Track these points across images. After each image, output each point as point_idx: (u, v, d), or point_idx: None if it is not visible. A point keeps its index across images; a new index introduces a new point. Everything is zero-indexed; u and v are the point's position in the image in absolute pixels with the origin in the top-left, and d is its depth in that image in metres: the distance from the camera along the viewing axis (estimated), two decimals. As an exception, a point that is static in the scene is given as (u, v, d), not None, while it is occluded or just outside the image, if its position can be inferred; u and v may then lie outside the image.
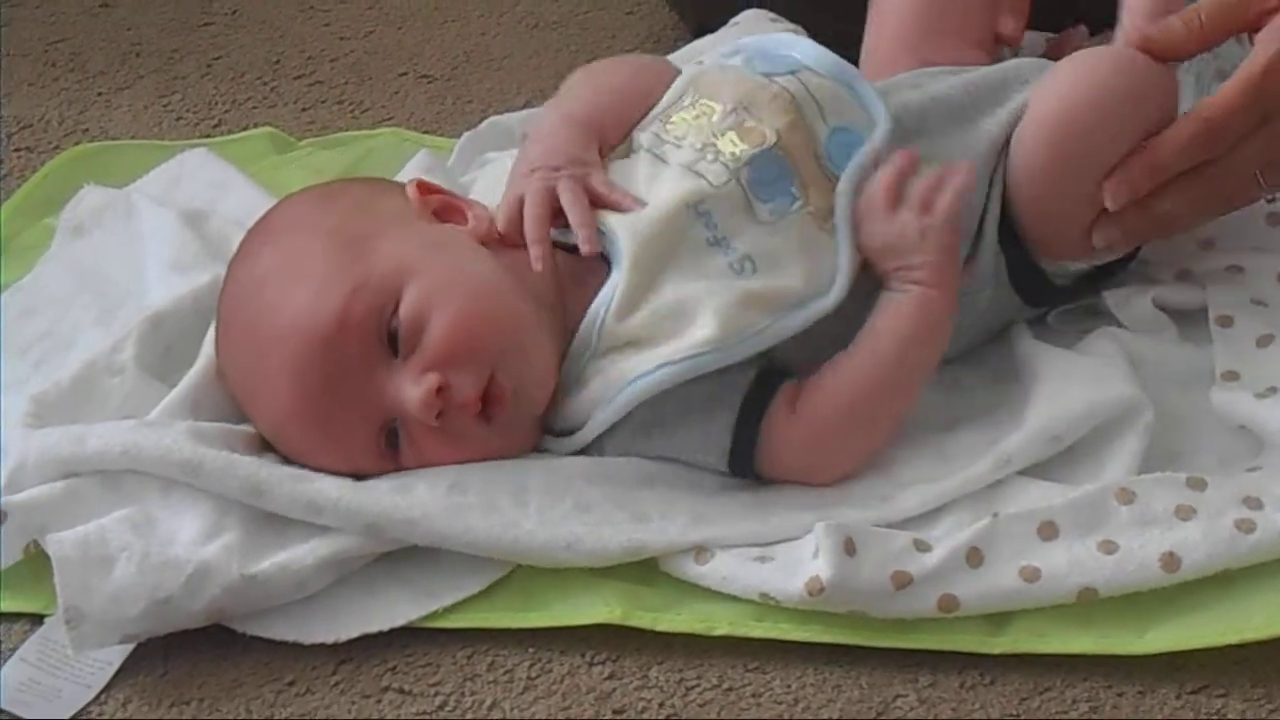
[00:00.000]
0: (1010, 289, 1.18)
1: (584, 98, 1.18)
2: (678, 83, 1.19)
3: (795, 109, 1.13)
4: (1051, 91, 1.16)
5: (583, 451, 1.11)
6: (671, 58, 1.30)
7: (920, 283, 1.09)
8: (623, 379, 1.08)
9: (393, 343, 1.07)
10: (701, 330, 1.07)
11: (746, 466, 1.09)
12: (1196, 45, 1.16)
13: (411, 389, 1.06)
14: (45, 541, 1.03)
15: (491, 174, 1.34)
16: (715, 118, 1.13)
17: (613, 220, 1.10)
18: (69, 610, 1.00)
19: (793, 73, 1.15)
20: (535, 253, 1.10)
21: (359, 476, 1.08)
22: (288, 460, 1.10)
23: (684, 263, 1.09)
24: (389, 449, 1.09)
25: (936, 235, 1.09)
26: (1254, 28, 1.14)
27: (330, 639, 1.02)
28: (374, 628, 1.03)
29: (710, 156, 1.11)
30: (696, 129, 1.13)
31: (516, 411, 1.08)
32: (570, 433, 1.11)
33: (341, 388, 1.07)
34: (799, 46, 1.18)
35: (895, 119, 1.14)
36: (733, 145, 1.11)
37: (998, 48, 1.29)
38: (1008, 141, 1.16)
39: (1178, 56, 1.16)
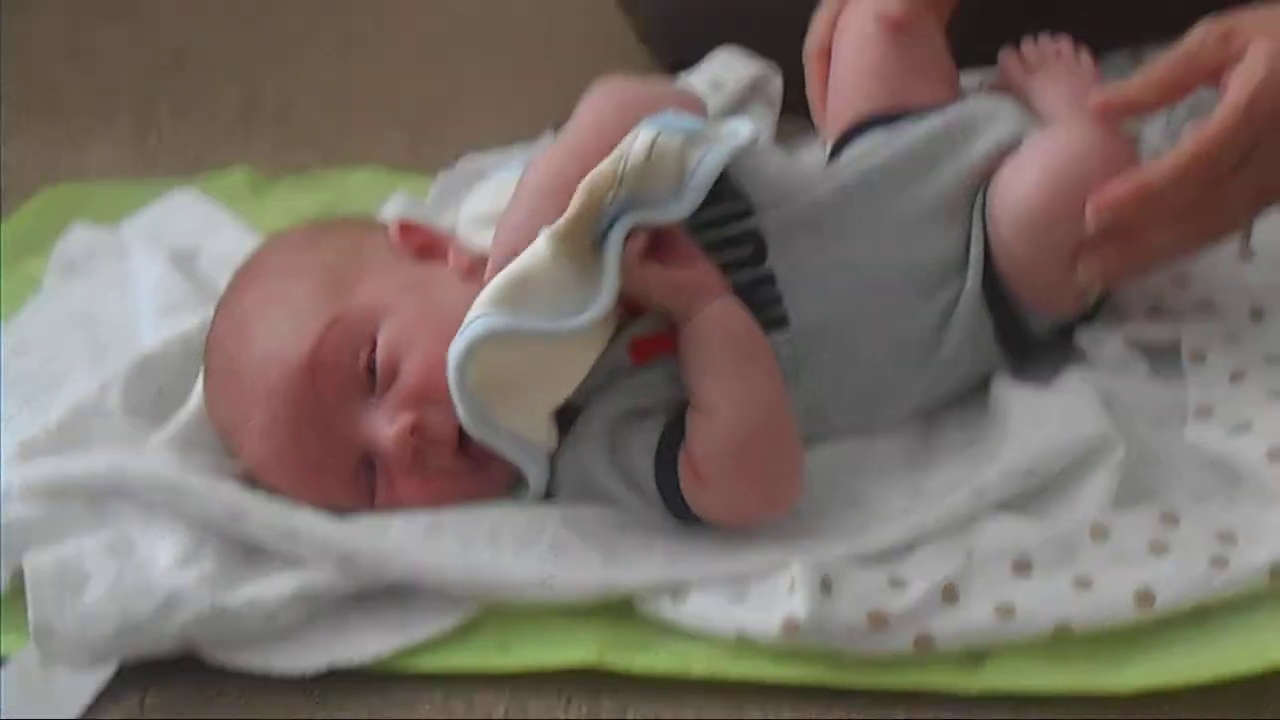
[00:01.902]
0: (995, 347, 1.18)
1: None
2: None
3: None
4: (1021, 180, 1.15)
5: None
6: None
7: (696, 318, 1.08)
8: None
9: (370, 379, 1.08)
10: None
11: (694, 516, 1.08)
12: (1155, 103, 1.16)
13: (386, 426, 1.07)
14: (23, 560, 1.04)
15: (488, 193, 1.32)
16: None
17: None
18: (39, 628, 1.01)
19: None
20: None
21: (339, 514, 1.09)
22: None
23: None
24: (366, 484, 1.09)
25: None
26: (1215, 77, 1.13)
27: (298, 670, 1.03)
28: (343, 661, 1.03)
29: None
30: None
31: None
32: None
33: (317, 421, 1.08)
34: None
35: (847, 188, 1.16)
36: None
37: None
38: (979, 191, 1.17)
39: (1138, 113, 1.16)
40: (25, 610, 1.03)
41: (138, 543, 1.06)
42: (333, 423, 1.08)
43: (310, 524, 1.06)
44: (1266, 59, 1.11)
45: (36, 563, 1.03)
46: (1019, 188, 1.15)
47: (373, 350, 1.09)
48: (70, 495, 1.09)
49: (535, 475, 1.09)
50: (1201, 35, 1.14)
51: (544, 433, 1.09)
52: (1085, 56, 1.33)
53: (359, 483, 1.10)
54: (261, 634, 1.04)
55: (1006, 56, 1.34)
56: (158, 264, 1.31)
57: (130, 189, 1.49)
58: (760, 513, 1.08)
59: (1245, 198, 1.13)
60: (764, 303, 1.12)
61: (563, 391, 1.08)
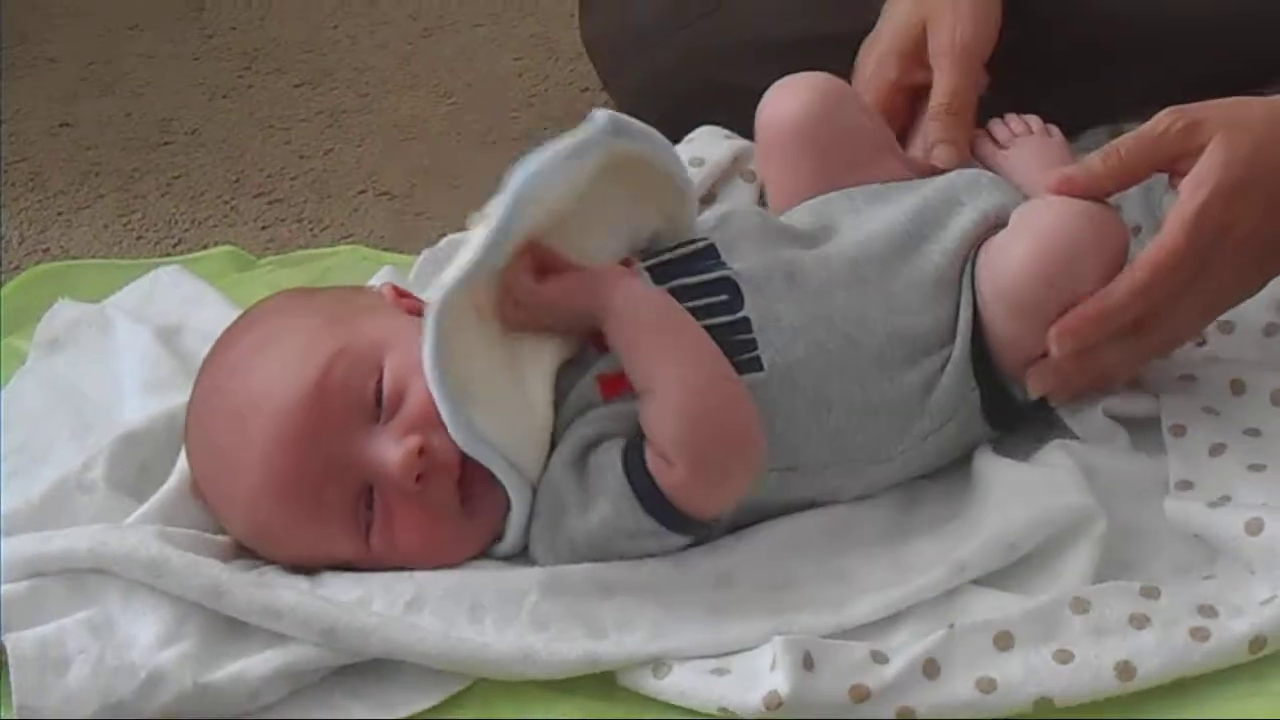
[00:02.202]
0: (982, 419, 1.18)
1: None
2: None
3: None
4: (1013, 254, 1.16)
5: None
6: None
7: (608, 310, 1.10)
8: None
9: (376, 407, 1.09)
10: None
11: (671, 512, 1.08)
12: (1115, 182, 1.17)
13: (393, 449, 1.07)
14: (5, 640, 1.04)
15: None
16: None
17: None
18: (22, 709, 1.01)
19: None
20: None
21: (320, 571, 1.09)
22: (256, 563, 1.11)
23: None
24: (363, 520, 1.09)
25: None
26: (1173, 166, 1.15)
27: (281, 748, 1.02)
28: (326, 738, 1.03)
29: None
30: None
31: (491, 485, 1.09)
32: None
33: (320, 450, 1.08)
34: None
35: (828, 254, 1.18)
36: None
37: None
38: (968, 260, 1.18)
39: (1098, 194, 1.17)
40: (8, 690, 1.02)
41: (119, 621, 1.06)
42: (335, 450, 1.08)
43: (290, 601, 1.06)
44: (1222, 166, 1.12)
45: (18, 643, 1.03)
46: (1011, 263, 1.16)
47: (380, 378, 1.09)
48: (51, 573, 1.08)
49: (518, 503, 1.09)
50: (1167, 122, 1.15)
51: (528, 453, 1.09)
52: (1055, 130, 1.34)
53: (357, 518, 1.09)
54: (245, 711, 1.04)
55: (977, 136, 1.35)
56: (142, 339, 1.31)
57: (114, 268, 1.48)
58: (734, 478, 1.08)
59: (1198, 308, 1.15)
60: (739, 347, 1.13)
61: (532, 398, 1.10)
